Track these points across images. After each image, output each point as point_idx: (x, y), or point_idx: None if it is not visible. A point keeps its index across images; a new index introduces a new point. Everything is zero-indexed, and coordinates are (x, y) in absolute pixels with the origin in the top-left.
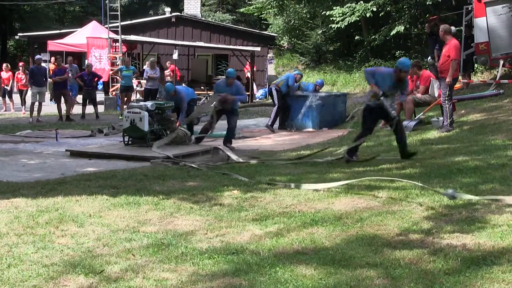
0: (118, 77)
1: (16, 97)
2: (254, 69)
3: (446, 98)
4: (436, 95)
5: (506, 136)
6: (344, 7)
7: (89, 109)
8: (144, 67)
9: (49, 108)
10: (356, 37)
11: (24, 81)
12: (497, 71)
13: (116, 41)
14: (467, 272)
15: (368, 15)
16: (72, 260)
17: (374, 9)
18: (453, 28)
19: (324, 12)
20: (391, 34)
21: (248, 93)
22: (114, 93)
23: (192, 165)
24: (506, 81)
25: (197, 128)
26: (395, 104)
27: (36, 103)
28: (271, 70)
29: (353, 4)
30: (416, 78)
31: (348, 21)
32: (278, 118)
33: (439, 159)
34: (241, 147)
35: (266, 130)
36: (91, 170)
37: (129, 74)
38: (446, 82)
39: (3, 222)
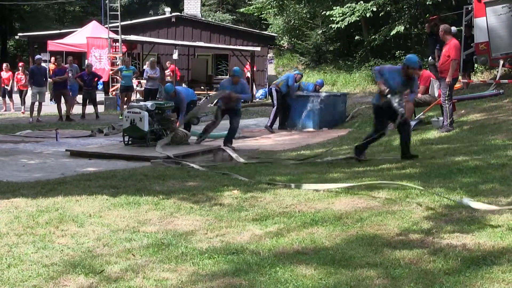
0: (118, 77)
1: (16, 97)
2: (254, 69)
3: (446, 98)
4: (436, 95)
5: (506, 136)
6: (344, 7)
7: (89, 109)
8: (144, 67)
9: (49, 108)
10: (356, 37)
11: (23, 81)
12: (497, 71)
13: (116, 41)
14: (467, 272)
15: (368, 15)
16: (72, 260)
17: (374, 9)
18: (453, 28)
19: (324, 12)
20: (391, 34)
21: None
22: (114, 93)
23: (194, 165)
24: (506, 81)
25: (197, 128)
26: (404, 102)
27: (36, 103)
28: (271, 70)
29: (353, 4)
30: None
31: (348, 21)
32: (277, 118)
33: (439, 159)
34: (241, 147)
35: (266, 130)
36: (91, 170)
37: (129, 74)
38: (446, 82)
39: (3, 222)
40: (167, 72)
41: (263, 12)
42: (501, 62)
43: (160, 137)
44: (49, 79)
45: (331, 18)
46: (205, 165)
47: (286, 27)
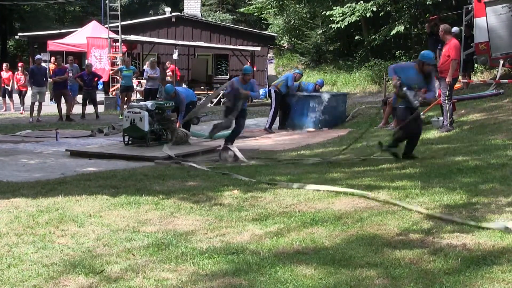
0: (118, 77)
1: (16, 97)
2: (254, 69)
3: (446, 98)
4: (436, 95)
5: (506, 136)
6: (344, 7)
7: (89, 109)
8: (144, 67)
9: (49, 108)
10: (356, 37)
11: (23, 81)
12: (497, 71)
13: (116, 41)
14: (467, 272)
15: (368, 15)
16: (72, 260)
17: (374, 9)
18: (455, 28)
19: (324, 12)
20: (391, 34)
21: None
22: (114, 93)
23: (197, 166)
24: (506, 81)
25: (197, 128)
26: (419, 97)
27: (36, 103)
28: (271, 70)
29: (353, 4)
30: None
31: (348, 21)
32: (275, 119)
33: (439, 159)
34: (241, 147)
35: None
36: (91, 170)
37: (129, 74)
38: (446, 82)
39: (3, 222)
40: (168, 72)
41: (263, 12)
42: (501, 62)
43: (160, 137)
44: (49, 79)
45: (331, 18)
46: (210, 166)
47: (286, 27)
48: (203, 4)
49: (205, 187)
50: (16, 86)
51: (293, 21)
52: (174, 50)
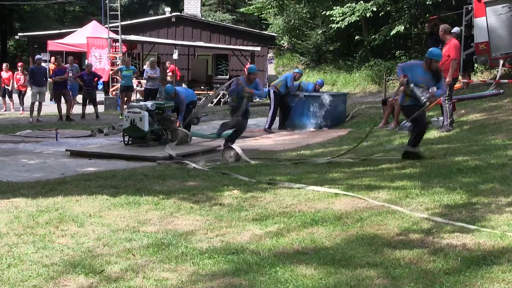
0: (118, 77)
1: (16, 97)
2: None
3: (446, 98)
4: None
5: (506, 136)
6: (344, 7)
7: (89, 109)
8: (144, 67)
9: (49, 108)
10: (356, 37)
11: (22, 81)
12: (497, 71)
13: (116, 41)
14: (467, 272)
15: (368, 15)
16: (72, 260)
17: (374, 9)
18: (457, 28)
19: (324, 12)
20: (391, 34)
21: None
22: (114, 93)
23: (202, 167)
24: (506, 81)
25: (197, 128)
26: (427, 93)
27: (36, 103)
28: (271, 70)
29: (353, 4)
30: None
31: (348, 21)
32: (275, 119)
33: (439, 159)
34: (241, 147)
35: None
36: (91, 170)
37: (129, 74)
38: (446, 82)
39: (3, 222)
40: (168, 73)
41: (263, 12)
42: (501, 62)
43: (160, 137)
44: (49, 79)
45: (331, 18)
46: (213, 166)
47: (286, 27)
48: (203, 4)
49: (205, 187)
50: (16, 86)
51: (293, 21)
52: (174, 50)
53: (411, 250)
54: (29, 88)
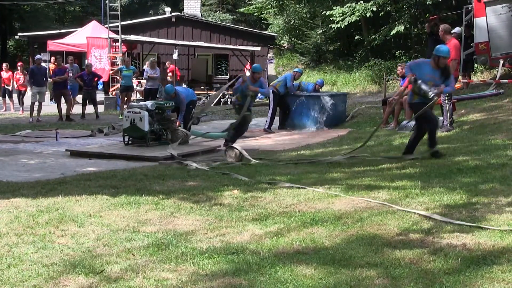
0: (118, 77)
1: (16, 97)
2: None
3: (446, 98)
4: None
5: (506, 135)
6: (344, 7)
7: (89, 109)
8: (144, 67)
9: (49, 108)
10: (356, 37)
11: (22, 81)
12: (497, 71)
13: (116, 41)
14: (467, 272)
15: (368, 15)
16: (72, 260)
17: (374, 9)
18: (458, 28)
19: (324, 12)
20: (391, 34)
21: None
22: (114, 93)
23: (204, 168)
24: (506, 80)
25: (197, 128)
26: (435, 89)
27: (36, 103)
28: (271, 70)
29: (353, 4)
30: None
31: (348, 21)
32: (274, 119)
33: (439, 159)
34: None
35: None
36: (91, 170)
37: (129, 74)
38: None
39: (3, 222)
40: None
41: (263, 12)
42: (501, 62)
43: (160, 137)
44: (49, 79)
45: (331, 18)
46: (213, 166)
47: (286, 27)
48: (203, 4)
49: (205, 187)
50: (15, 86)
51: (293, 21)
52: (174, 50)
53: (411, 250)
54: (29, 88)
